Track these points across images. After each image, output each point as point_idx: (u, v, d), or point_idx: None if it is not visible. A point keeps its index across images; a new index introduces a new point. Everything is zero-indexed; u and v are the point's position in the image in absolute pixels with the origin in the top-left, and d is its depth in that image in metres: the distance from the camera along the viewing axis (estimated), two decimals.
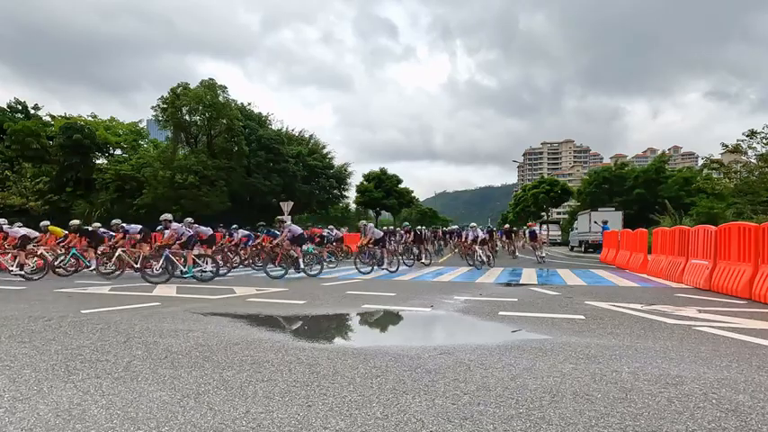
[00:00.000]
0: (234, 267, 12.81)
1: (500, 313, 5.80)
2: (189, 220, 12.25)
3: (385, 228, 17.62)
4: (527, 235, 22.42)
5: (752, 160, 21.25)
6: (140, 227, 12.42)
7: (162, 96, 35.70)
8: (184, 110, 35.68)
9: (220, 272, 10.56)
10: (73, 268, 11.99)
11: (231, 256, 13.45)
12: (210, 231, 12.81)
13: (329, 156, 45.19)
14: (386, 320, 5.85)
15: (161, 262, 10.09)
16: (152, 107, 36.17)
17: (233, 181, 36.01)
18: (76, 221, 12.83)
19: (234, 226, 15.69)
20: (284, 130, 43.97)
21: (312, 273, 11.42)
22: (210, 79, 36.12)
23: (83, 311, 5.92)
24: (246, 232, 15.23)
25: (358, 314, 6.08)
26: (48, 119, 39.46)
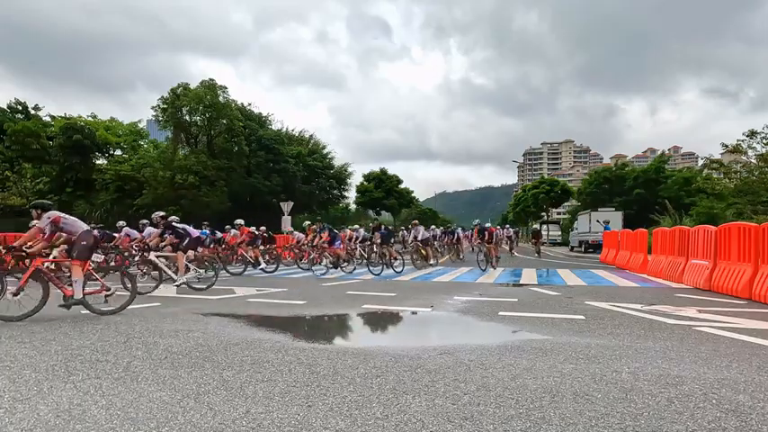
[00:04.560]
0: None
1: (500, 313, 5.80)
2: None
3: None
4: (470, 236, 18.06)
5: (752, 160, 21.22)
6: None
7: (162, 96, 35.70)
8: (184, 110, 35.65)
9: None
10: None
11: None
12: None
13: (329, 156, 45.19)
14: (386, 320, 5.85)
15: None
16: (152, 107, 36.19)
17: (233, 181, 36.01)
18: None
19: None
20: (284, 130, 43.98)
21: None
22: (210, 79, 36.11)
23: (83, 312, 5.92)
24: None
25: (358, 314, 6.08)
26: (48, 119, 39.47)
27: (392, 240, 12.33)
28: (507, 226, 30.44)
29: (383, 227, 13.92)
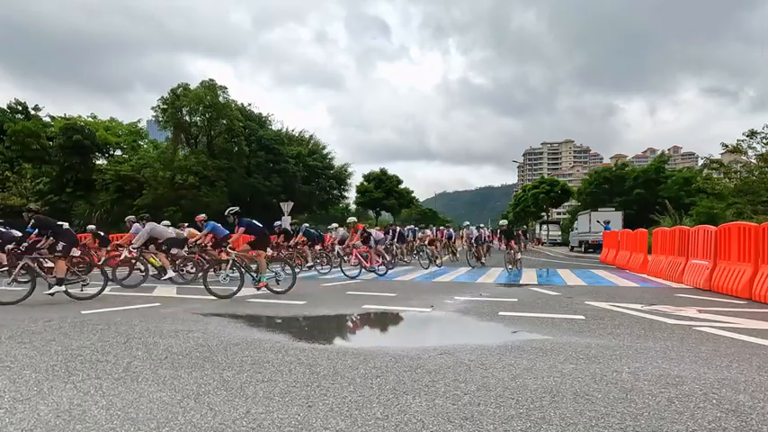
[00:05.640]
0: None
1: (500, 313, 5.80)
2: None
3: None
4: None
5: (752, 160, 21.21)
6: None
7: (162, 97, 35.71)
8: (184, 110, 35.66)
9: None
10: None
11: None
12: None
13: (329, 156, 45.19)
14: (386, 321, 5.85)
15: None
16: (152, 107, 36.20)
17: (233, 181, 36.00)
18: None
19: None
20: (284, 130, 43.97)
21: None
22: (210, 80, 36.10)
23: (83, 312, 5.92)
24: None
25: (358, 314, 6.08)
26: (48, 119, 39.47)
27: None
28: (466, 224, 18.14)
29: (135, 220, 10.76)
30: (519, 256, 13.02)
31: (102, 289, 7.34)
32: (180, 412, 2.52)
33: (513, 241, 12.84)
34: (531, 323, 5.16)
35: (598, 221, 22.08)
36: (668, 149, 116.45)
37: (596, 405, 2.61)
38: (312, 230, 14.21)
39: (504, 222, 14.14)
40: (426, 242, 15.96)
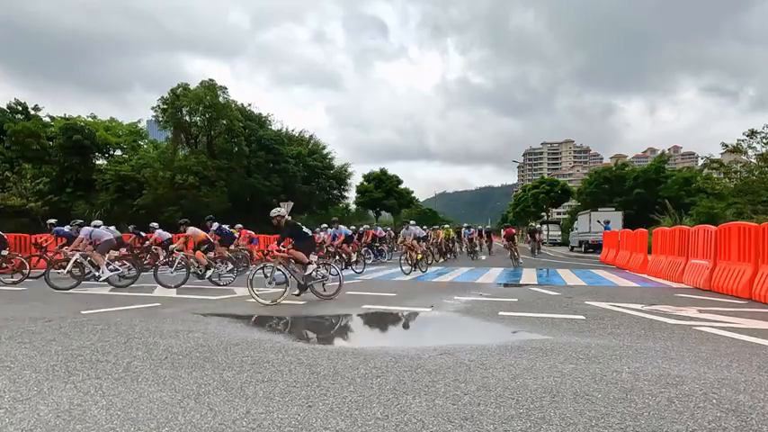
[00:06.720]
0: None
1: (500, 313, 5.80)
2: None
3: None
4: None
5: (752, 160, 21.21)
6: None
7: (162, 97, 35.73)
8: (184, 110, 35.68)
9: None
10: None
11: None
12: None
13: (329, 156, 45.19)
14: (386, 321, 5.85)
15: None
16: (152, 107, 36.24)
17: (233, 181, 36.01)
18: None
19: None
20: (284, 130, 43.99)
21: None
22: (210, 80, 36.12)
23: (83, 312, 5.92)
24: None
25: (358, 314, 6.08)
26: (47, 119, 39.48)
27: None
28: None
29: None
30: (310, 268, 7.21)
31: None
32: (180, 412, 2.53)
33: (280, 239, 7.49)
34: (531, 323, 5.16)
35: (598, 221, 22.06)
36: (668, 149, 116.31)
37: (596, 405, 2.61)
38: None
39: (277, 211, 8.08)
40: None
